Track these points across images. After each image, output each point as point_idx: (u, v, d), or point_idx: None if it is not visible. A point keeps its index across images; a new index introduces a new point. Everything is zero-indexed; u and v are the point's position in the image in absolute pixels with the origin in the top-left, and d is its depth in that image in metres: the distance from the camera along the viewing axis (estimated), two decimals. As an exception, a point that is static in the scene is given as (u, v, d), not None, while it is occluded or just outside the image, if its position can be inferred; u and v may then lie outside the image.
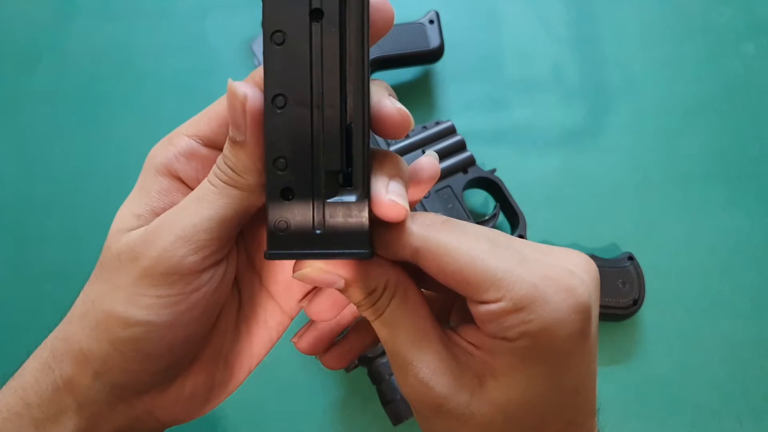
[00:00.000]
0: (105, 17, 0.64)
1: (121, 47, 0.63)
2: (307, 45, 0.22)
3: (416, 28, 0.58)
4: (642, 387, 0.54)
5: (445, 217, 0.25)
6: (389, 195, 0.23)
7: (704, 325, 0.56)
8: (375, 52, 0.57)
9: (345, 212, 0.23)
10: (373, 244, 0.24)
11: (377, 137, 0.46)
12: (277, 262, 0.29)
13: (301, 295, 0.29)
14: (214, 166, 0.25)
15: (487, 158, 0.59)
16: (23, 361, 0.27)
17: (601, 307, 0.52)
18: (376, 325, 0.25)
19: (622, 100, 0.62)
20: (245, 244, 0.29)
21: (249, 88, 0.23)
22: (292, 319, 0.30)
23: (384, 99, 0.24)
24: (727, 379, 0.54)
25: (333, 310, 0.28)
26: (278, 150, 0.23)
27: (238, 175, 0.24)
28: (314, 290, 0.29)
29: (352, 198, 0.23)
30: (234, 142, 0.23)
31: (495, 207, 0.55)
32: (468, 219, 0.52)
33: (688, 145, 0.60)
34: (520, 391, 0.23)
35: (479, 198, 0.59)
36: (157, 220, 0.25)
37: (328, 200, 0.23)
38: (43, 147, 0.60)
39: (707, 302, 0.56)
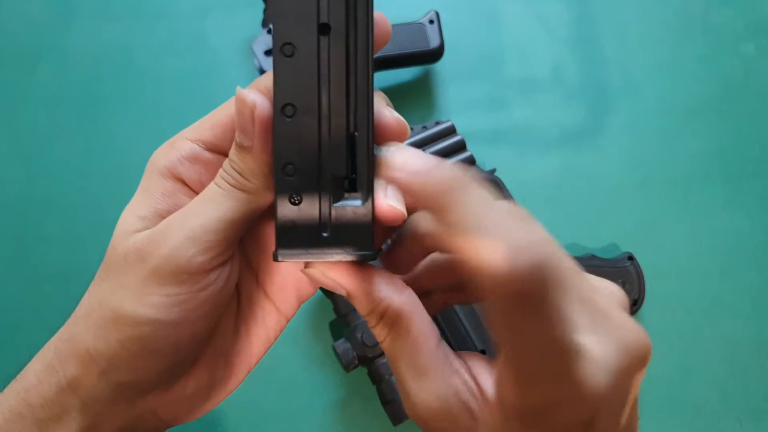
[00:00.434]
0: (105, 17, 0.64)
1: (121, 47, 0.63)
2: (315, 57, 0.24)
3: (416, 28, 0.58)
4: (642, 387, 0.53)
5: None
6: (387, 200, 0.24)
7: (704, 325, 0.56)
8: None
9: (350, 215, 0.24)
10: (376, 247, 0.25)
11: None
12: (274, 264, 0.29)
13: (296, 296, 0.30)
14: (221, 170, 0.25)
15: (487, 158, 0.59)
16: (24, 362, 0.27)
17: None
18: (382, 346, 0.25)
19: (622, 100, 0.62)
20: (243, 246, 0.29)
21: (258, 96, 0.23)
22: (288, 320, 0.31)
23: (383, 109, 0.25)
24: (727, 379, 0.54)
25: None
26: (287, 156, 0.24)
27: (245, 178, 0.25)
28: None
29: (357, 202, 0.24)
30: (241, 147, 0.24)
31: (495, 207, 0.55)
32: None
33: (688, 145, 0.60)
34: None
35: (479, 198, 0.59)
36: (165, 221, 0.25)
37: (335, 204, 0.24)
38: (43, 147, 0.60)
39: (707, 302, 0.56)
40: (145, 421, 0.27)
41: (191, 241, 0.24)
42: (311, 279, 0.25)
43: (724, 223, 0.58)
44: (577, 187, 0.59)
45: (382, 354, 0.48)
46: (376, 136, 0.25)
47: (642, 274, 0.54)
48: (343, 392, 0.53)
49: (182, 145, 0.26)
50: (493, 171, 0.55)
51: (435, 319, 0.27)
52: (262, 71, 0.56)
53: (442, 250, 0.26)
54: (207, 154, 0.26)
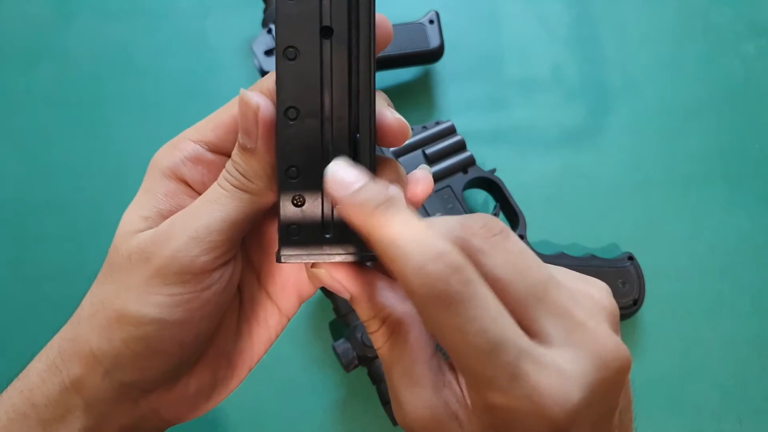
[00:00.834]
0: (105, 17, 0.64)
1: (121, 47, 0.63)
2: (318, 60, 0.24)
3: (416, 28, 0.58)
4: (642, 387, 0.53)
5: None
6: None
7: (704, 325, 0.56)
8: (375, 52, 0.57)
9: None
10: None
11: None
12: (276, 264, 0.29)
13: (297, 296, 0.30)
14: (224, 171, 0.26)
15: (487, 158, 0.59)
16: (24, 361, 0.27)
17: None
18: (379, 352, 0.25)
19: (622, 100, 0.62)
20: (245, 246, 0.29)
21: (261, 98, 0.24)
22: (289, 320, 0.31)
23: (384, 110, 0.25)
24: (727, 379, 0.54)
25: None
26: (290, 159, 0.24)
27: (248, 180, 0.25)
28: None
29: None
30: (244, 149, 0.25)
31: (495, 207, 0.55)
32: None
33: (688, 145, 0.60)
34: None
35: (479, 198, 0.59)
36: (168, 221, 0.25)
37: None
38: (43, 147, 0.60)
39: (707, 302, 0.56)
40: (147, 421, 0.28)
41: (195, 242, 0.24)
42: (317, 280, 0.25)
43: (724, 223, 0.58)
44: (577, 187, 0.59)
45: (382, 354, 0.48)
46: (378, 137, 0.25)
47: (642, 274, 0.54)
48: (343, 392, 0.53)
49: (185, 146, 0.26)
50: (493, 171, 0.55)
51: None
52: (262, 71, 0.56)
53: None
54: (209, 155, 0.26)
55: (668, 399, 0.54)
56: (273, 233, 0.29)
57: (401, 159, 0.54)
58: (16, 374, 0.27)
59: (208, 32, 0.63)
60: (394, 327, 0.24)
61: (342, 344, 0.48)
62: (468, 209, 0.53)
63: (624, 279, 0.53)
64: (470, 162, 0.54)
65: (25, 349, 0.28)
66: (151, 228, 0.25)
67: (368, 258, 0.25)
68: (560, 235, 0.58)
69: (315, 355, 0.54)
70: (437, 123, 0.55)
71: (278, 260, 0.25)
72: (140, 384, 0.26)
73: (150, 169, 0.27)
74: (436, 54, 0.59)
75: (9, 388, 0.27)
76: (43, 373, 0.26)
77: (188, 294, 0.25)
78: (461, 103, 0.62)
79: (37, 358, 0.27)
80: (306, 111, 0.24)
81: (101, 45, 0.63)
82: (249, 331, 0.30)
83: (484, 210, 0.59)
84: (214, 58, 0.63)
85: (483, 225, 0.22)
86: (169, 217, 0.26)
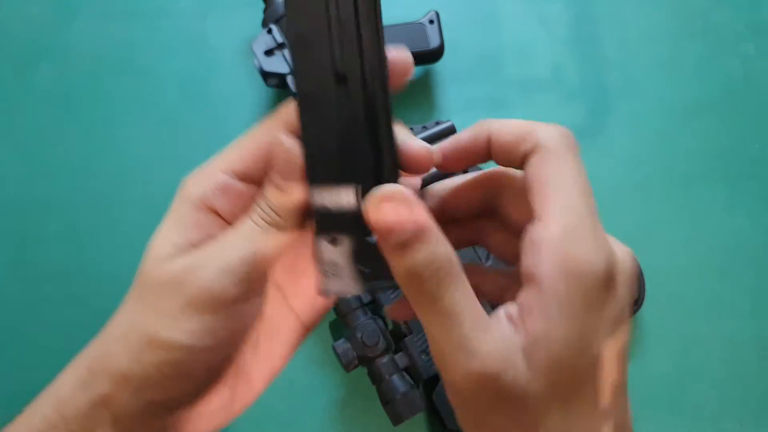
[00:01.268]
0: (105, 17, 0.64)
1: (122, 47, 0.63)
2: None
3: (416, 28, 0.58)
4: (642, 387, 0.54)
5: None
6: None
7: (704, 325, 0.56)
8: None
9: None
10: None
11: None
12: (305, 279, 0.31)
13: (323, 306, 0.32)
14: (257, 207, 0.27)
15: (487, 158, 0.59)
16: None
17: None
18: (430, 315, 0.24)
19: (622, 100, 0.62)
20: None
21: (295, 144, 0.25)
22: (308, 332, 0.32)
23: (409, 140, 0.27)
24: (727, 379, 0.54)
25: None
26: (329, 229, 0.26)
27: (281, 218, 0.26)
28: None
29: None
30: (280, 189, 0.26)
31: (495, 207, 0.55)
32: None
33: (688, 145, 0.60)
34: (561, 345, 0.24)
35: (479, 198, 0.59)
36: (202, 252, 0.26)
37: (367, 239, 0.26)
38: (43, 147, 0.60)
39: (707, 302, 0.56)
40: None
41: (226, 274, 0.25)
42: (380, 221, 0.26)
43: (724, 223, 0.58)
44: (577, 187, 0.59)
45: (381, 354, 0.48)
46: (407, 166, 0.27)
47: (642, 274, 0.54)
48: (343, 392, 0.53)
49: (214, 176, 0.27)
50: (493, 171, 0.55)
51: None
52: (262, 71, 0.56)
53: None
54: (238, 185, 0.27)
55: (668, 399, 0.54)
56: (297, 251, 0.30)
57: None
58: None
59: (208, 32, 0.63)
60: (452, 269, 0.25)
61: (342, 344, 0.48)
62: (468, 209, 0.53)
63: (624, 279, 0.53)
64: (470, 162, 0.54)
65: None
66: (182, 256, 0.26)
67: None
68: (560, 235, 0.57)
69: (315, 355, 0.54)
70: (437, 123, 0.55)
71: (321, 294, 0.26)
72: (167, 403, 0.27)
73: (180, 198, 0.28)
74: (436, 54, 0.59)
75: (39, 398, 0.28)
76: (74, 386, 0.27)
77: (219, 323, 0.26)
78: (461, 103, 0.62)
79: (67, 371, 0.28)
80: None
81: (101, 45, 0.63)
82: (269, 347, 0.31)
83: (484, 210, 0.59)
84: (214, 58, 0.63)
85: None
86: (200, 246, 0.27)
